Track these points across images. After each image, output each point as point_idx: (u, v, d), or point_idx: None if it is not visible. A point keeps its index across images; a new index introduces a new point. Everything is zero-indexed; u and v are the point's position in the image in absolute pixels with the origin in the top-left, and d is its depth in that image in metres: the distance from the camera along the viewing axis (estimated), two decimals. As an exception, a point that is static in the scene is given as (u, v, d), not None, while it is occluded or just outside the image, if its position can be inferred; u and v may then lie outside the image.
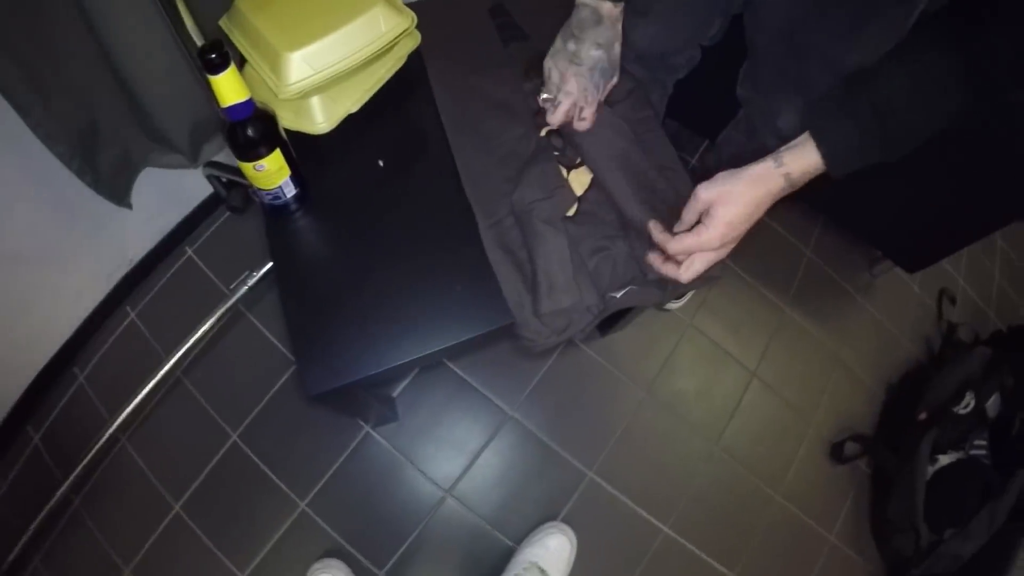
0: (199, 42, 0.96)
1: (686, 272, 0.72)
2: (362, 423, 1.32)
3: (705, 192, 0.70)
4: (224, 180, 1.39)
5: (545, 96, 0.87)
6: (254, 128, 0.70)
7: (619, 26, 0.85)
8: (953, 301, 1.81)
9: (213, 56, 0.61)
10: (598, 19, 0.82)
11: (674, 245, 0.71)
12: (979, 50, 0.58)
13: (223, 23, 0.86)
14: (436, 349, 0.74)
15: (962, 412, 1.43)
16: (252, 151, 0.71)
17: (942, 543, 1.32)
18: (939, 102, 0.61)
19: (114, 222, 1.27)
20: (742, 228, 0.70)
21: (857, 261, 1.79)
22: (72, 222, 1.19)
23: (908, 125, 0.63)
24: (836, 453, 1.51)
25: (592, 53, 0.82)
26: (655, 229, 0.75)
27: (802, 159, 0.67)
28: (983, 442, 1.46)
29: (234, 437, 1.29)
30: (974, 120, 0.62)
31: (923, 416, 1.46)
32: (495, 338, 0.76)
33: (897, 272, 1.71)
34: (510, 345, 1.40)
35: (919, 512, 1.34)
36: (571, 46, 0.84)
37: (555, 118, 0.85)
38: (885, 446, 1.49)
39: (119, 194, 1.16)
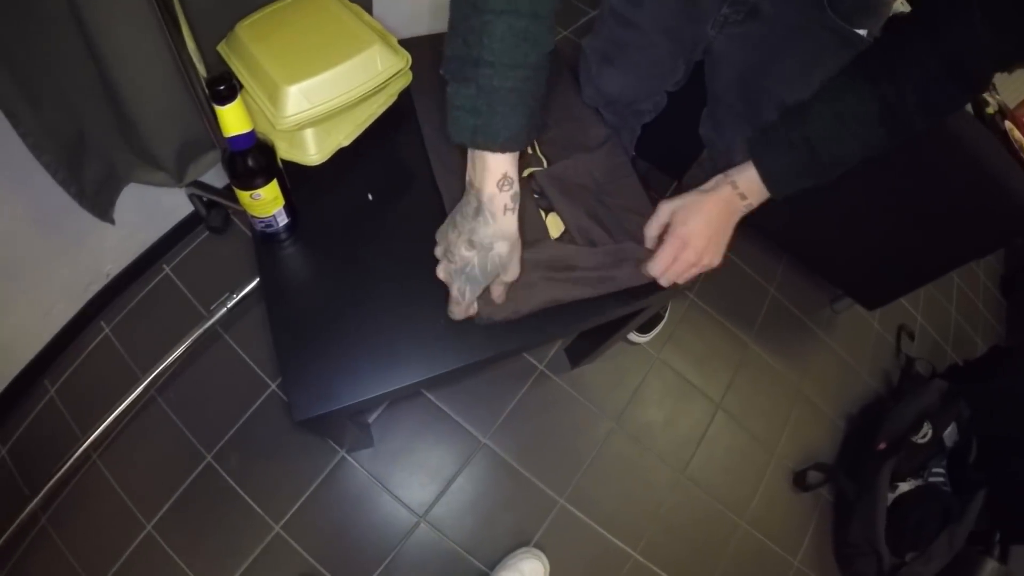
0: (199, 65, 0.97)
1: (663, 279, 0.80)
2: (337, 448, 1.32)
3: (666, 205, 0.80)
4: (205, 200, 1.40)
5: None
6: (254, 158, 0.71)
7: (510, 217, 0.66)
8: (912, 337, 1.89)
9: (222, 88, 0.63)
10: (478, 209, 0.66)
11: (651, 267, 0.79)
12: (891, 97, 0.68)
13: (222, 48, 0.88)
14: (421, 379, 0.76)
15: (920, 441, 1.49)
16: (251, 180, 0.73)
17: (904, 565, 1.37)
18: (861, 136, 0.72)
19: (92, 235, 1.27)
20: (705, 233, 0.78)
21: (819, 298, 1.86)
22: (50, 233, 1.18)
23: (836, 155, 0.74)
24: (799, 481, 1.56)
25: (463, 253, 0.68)
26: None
27: (745, 173, 0.77)
28: (941, 470, 1.52)
29: (209, 458, 1.28)
30: (893, 152, 0.74)
31: (882, 446, 1.51)
32: (477, 369, 0.79)
33: (857, 309, 1.78)
34: (485, 376, 1.44)
35: (880, 536, 1.39)
36: (451, 233, 0.70)
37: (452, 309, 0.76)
38: (846, 475, 1.54)
39: (102, 208, 1.16)
